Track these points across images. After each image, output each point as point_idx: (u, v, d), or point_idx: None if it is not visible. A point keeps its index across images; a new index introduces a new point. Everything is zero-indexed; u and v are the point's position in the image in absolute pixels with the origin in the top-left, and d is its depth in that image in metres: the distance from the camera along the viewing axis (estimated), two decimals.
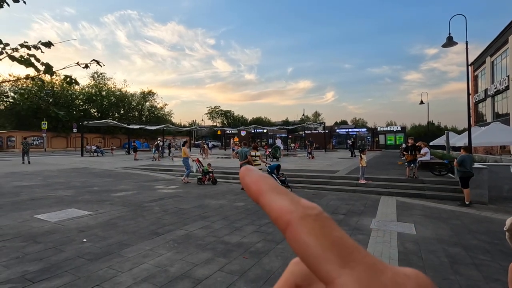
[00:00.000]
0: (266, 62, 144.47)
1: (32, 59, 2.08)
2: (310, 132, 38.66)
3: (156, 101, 56.93)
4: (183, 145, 10.55)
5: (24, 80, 41.60)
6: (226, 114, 70.84)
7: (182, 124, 68.16)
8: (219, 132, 47.89)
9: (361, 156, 9.15)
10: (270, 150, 18.88)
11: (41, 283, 2.81)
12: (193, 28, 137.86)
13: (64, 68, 2.35)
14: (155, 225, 4.84)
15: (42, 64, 2.17)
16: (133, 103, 53.65)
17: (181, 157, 10.66)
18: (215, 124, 66.76)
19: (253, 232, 4.50)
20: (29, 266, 3.20)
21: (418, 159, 9.71)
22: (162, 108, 57.32)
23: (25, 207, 6.00)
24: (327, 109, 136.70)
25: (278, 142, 20.66)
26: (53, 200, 6.74)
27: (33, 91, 41.76)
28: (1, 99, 41.89)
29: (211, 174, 9.77)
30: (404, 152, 10.08)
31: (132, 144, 23.22)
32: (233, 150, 24.30)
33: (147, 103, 55.92)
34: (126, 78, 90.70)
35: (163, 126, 35.23)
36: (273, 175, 8.52)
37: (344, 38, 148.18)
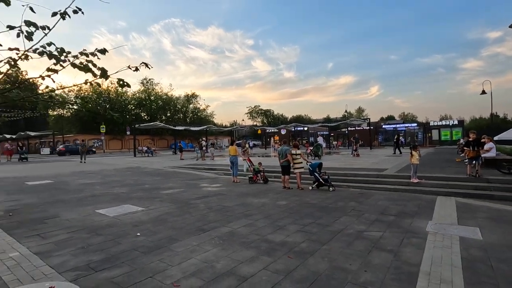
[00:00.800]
0: (305, 59, 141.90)
1: (90, 65, 2.28)
2: (354, 128, 36.98)
3: (199, 103, 59.35)
4: (231, 144, 10.71)
5: (86, 89, 46.37)
6: (266, 113, 71.16)
7: (224, 125, 70.19)
8: (259, 131, 48.30)
9: (411, 153, 8.46)
10: (311, 148, 18.47)
11: (103, 272, 3.06)
12: (231, 31, 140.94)
13: (117, 72, 2.54)
14: (201, 222, 5.01)
15: (99, 69, 2.37)
16: (178, 105, 56.57)
17: (224, 157, 10.91)
18: (255, 123, 67.53)
19: (296, 232, 4.41)
20: (93, 256, 3.52)
21: (482, 156, 8.67)
22: (204, 109, 59.57)
23: (87, 203, 6.66)
24: (371, 105, 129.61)
25: (320, 140, 20.09)
26: (111, 197, 7.38)
27: (93, 98, 46.20)
28: (68, 106, 46.99)
29: (262, 173, 9.83)
30: (465, 148, 9.07)
31: (178, 144, 24.54)
32: (274, 149, 24.24)
33: (191, 105, 58.55)
34: (171, 83, 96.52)
35: (205, 126, 36.62)
36: (315, 173, 8.30)
37: (387, 29, 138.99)
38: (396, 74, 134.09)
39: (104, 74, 2.34)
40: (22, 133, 43.84)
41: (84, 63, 2.24)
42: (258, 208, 6.00)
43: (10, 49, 3.00)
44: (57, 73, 2.70)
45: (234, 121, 75.19)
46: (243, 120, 66.86)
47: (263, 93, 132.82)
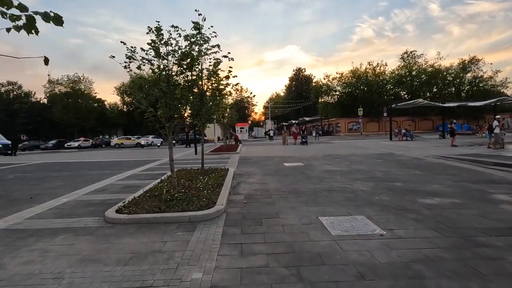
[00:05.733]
0: None
1: None
2: None
3: (482, 71, 44.17)
4: None
5: (346, 75, 48.97)
6: None
7: None
8: None
9: None
10: None
11: None
12: None
13: None
14: None
15: None
16: (448, 77, 45.40)
17: None
18: None
19: None
20: None
21: None
22: (491, 77, 43.47)
23: (317, 201, 5.37)
24: None
25: None
26: (346, 196, 5.66)
27: (352, 82, 47.80)
28: (332, 93, 52.19)
29: None
30: None
31: (449, 126, 18.55)
32: None
33: (468, 75, 44.92)
34: (440, 52, 79.51)
35: (494, 100, 25.76)
36: None
37: None
38: None
39: None
40: (301, 119, 54.59)
41: None
42: None
43: None
44: None
45: None
46: None
47: None
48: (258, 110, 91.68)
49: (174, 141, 28.22)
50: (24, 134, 52.89)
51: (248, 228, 3.98)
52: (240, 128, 44.10)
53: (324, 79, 51.72)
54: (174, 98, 5.24)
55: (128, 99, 53.76)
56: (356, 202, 5.17)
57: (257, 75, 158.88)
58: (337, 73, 50.02)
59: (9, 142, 24.21)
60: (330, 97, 52.31)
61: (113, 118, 55.93)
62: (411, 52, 47.03)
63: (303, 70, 74.66)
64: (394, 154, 13.14)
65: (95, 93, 55.23)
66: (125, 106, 56.77)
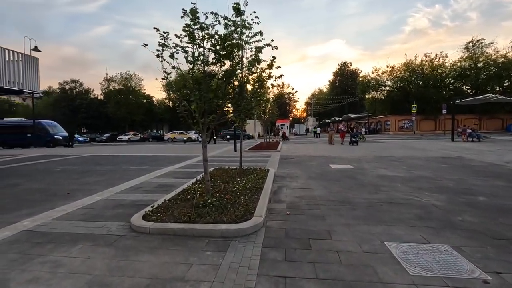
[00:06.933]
0: None
1: None
2: None
3: None
4: None
5: (398, 68, 45.03)
6: None
7: None
8: None
9: None
10: None
11: None
12: None
13: None
14: None
15: None
16: None
17: None
18: None
19: None
20: None
21: None
22: None
23: (378, 218, 4.31)
24: None
25: None
26: (416, 212, 4.50)
27: (405, 77, 43.86)
28: (381, 88, 48.54)
29: None
30: None
31: None
32: None
33: None
34: None
35: None
36: None
37: None
38: None
39: None
40: (346, 116, 51.75)
41: None
42: None
43: None
44: None
45: None
46: None
47: None
48: (299, 106, 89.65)
49: (214, 137, 28.34)
50: (84, 127, 58.25)
51: (293, 253, 3.14)
52: (281, 124, 43.15)
53: (373, 73, 48.23)
54: (209, 90, 4.58)
55: (173, 96, 56.02)
56: (431, 223, 4.03)
57: (299, 71, 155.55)
58: (387, 67, 46.25)
59: (67, 134, 26.40)
60: (378, 92, 48.67)
61: (159, 113, 58.81)
62: (477, 41, 41.40)
63: (349, 65, 70.77)
64: (462, 158, 11.18)
65: (144, 89, 58.54)
66: (170, 102, 59.32)
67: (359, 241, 3.41)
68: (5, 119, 30.49)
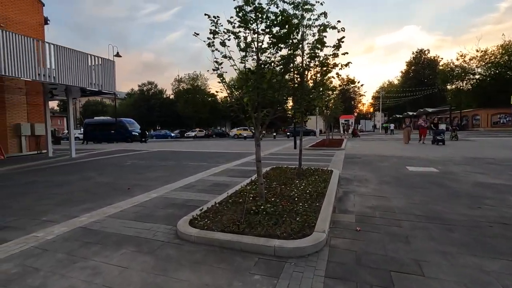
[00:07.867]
0: None
1: None
2: None
3: None
4: None
5: (491, 51, 37.92)
6: None
7: None
8: None
9: None
10: None
11: None
12: None
13: None
14: None
15: None
16: None
17: None
18: None
19: None
20: None
21: None
22: None
23: (484, 248, 3.12)
24: None
25: None
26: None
27: (501, 62, 36.77)
28: (468, 77, 41.78)
29: None
30: None
31: None
32: None
33: None
34: None
35: None
36: None
37: None
38: None
39: None
40: (421, 110, 45.91)
41: None
42: None
43: None
44: None
45: None
46: None
47: None
48: (366, 101, 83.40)
49: (274, 133, 27.86)
50: (158, 125, 64.38)
51: None
52: (345, 120, 40.50)
53: (457, 59, 41.47)
54: (263, 80, 3.97)
55: (236, 93, 57.66)
56: None
57: (366, 64, 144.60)
58: (477, 51, 39.18)
59: (140, 131, 29.33)
60: (464, 82, 41.76)
61: (223, 110, 61.23)
62: None
63: (426, 52, 62.39)
64: None
65: (209, 88, 61.61)
66: (233, 100, 61.17)
67: (468, 284, 2.39)
68: (95, 118, 35.41)
